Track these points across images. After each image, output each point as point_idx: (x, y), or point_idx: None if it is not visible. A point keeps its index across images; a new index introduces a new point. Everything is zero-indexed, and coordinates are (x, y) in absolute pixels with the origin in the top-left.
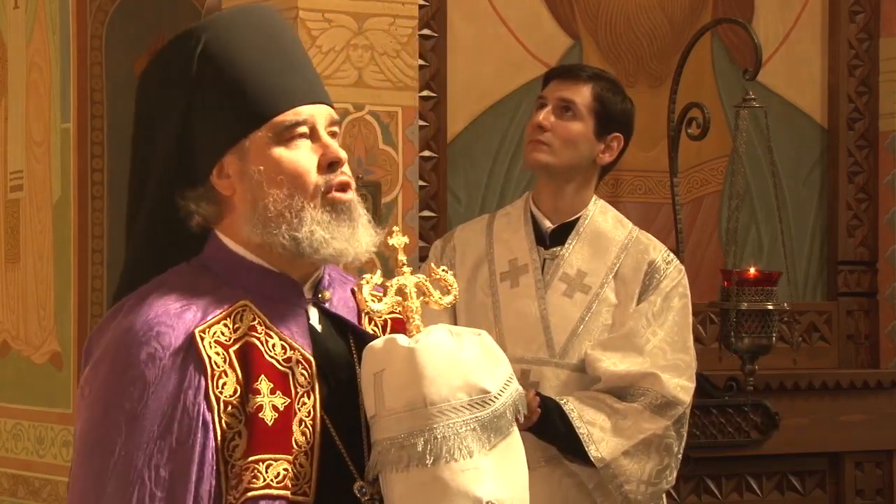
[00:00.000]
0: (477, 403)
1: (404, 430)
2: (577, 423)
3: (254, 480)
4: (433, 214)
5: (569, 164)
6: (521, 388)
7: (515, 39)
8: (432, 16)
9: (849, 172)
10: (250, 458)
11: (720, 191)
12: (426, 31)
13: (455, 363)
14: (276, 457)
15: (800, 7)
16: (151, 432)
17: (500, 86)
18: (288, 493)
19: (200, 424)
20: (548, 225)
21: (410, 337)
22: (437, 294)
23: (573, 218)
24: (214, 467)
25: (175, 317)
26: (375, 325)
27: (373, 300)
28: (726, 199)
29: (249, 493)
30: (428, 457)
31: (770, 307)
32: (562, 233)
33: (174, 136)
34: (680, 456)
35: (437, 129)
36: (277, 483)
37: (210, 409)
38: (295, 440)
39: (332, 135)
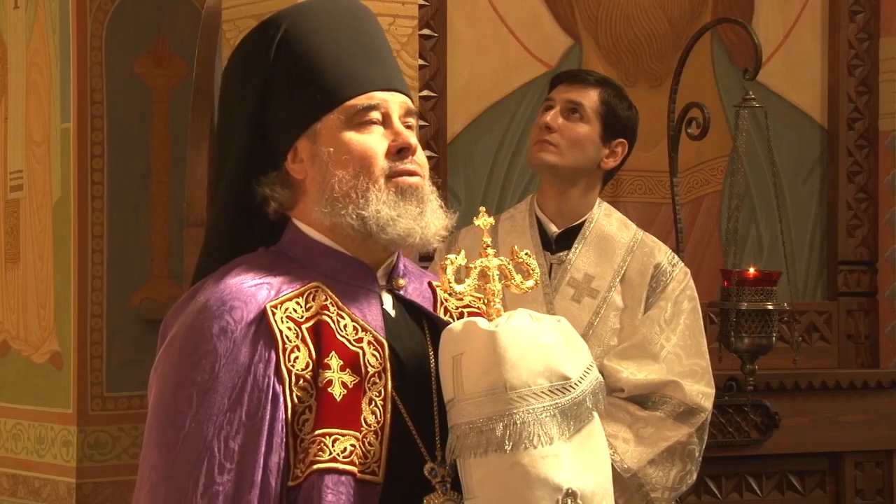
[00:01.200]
0: (557, 390)
1: (483, 414)
2: None
3: (320, 453)
4: None
5: (574, 166)
6: (600, 376)
7: (515, 39)
8: (432, 16)
9: (849, 172)
10: (317, 432)
11: (720, 191)
12: (426, 31)
13: (536, 347)
14: (343, 432)
15: (800, 7)
16: (222, 404)
17: (500, 86)
18: (355, 469)
19: (270, 397)
20: (554, 230)
21: (490, 321)
22: (518, 278)
23: (578, 222)
24: (284, 440)
25: (249, 294)
26: (451, 316)
27: (456, 281)
28: (726, 199)
29: (315, 466)
30: (507, 442)
31: (770, 307)
32: (567, 237)
33: (252, 125)
34: (700, 459)
35: (437, 129)
36: (344, 458)
37: (280, 382)
38: (364, 419)
39: (407, 126)
